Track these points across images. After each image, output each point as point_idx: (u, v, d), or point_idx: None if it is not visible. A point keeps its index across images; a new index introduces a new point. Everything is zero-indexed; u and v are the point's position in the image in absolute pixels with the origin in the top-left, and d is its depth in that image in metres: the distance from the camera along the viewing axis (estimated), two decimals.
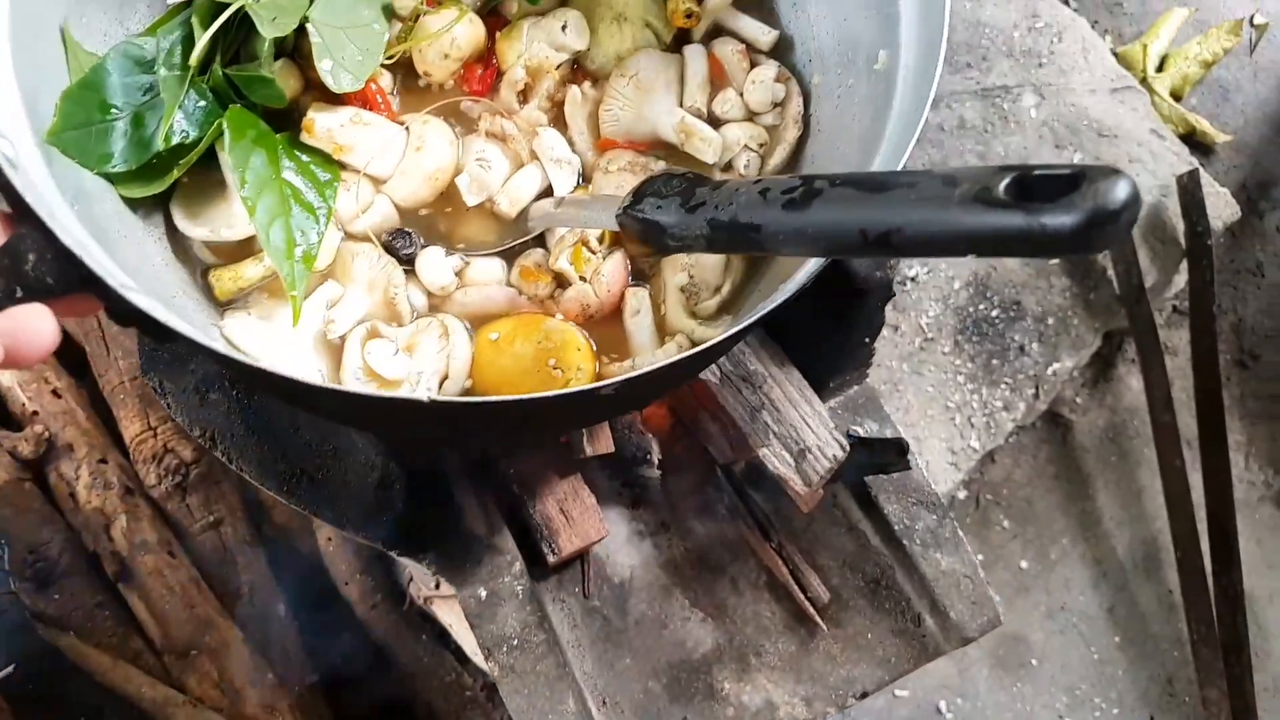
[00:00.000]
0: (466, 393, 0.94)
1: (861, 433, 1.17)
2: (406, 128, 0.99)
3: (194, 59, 0.91)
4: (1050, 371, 1.78)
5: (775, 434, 1.10)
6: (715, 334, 0.94)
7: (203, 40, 0.91)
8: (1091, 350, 1.83)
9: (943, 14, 0.81)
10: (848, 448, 1.08)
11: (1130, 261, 1.78)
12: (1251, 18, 2.19)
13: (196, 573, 1.40)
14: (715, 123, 1.03)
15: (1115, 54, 1.98)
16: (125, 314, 0.65)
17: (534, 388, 0.94)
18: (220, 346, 0.68)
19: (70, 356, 1.56)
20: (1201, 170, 1.85)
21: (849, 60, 0.94)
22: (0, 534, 1.34)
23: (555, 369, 0.94)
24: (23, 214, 0.63)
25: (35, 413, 1.49)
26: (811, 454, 1.08)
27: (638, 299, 0.98)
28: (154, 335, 0.66)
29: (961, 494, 1.87)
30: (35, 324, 0.61)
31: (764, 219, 0.70)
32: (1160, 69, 2.03)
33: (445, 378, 0.94)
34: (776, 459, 1.09)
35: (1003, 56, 1.90)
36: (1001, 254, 0.61)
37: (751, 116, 1.02)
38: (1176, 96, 2.03)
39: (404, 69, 1.03)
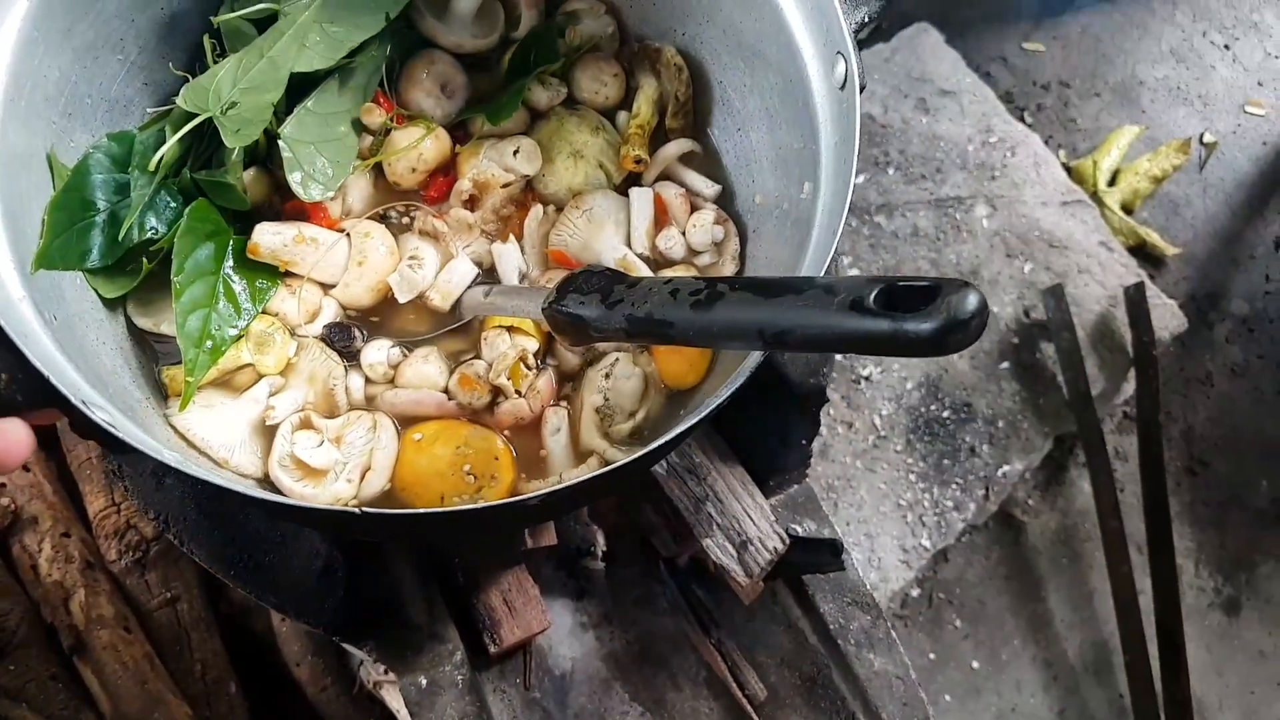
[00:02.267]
0: (387, 491, 0.99)
1: (800, 531, 1.21)
2: (349, 236, 1.05)
3: (155, 161, 0.97)
4: (1001, 473, 1.83)
5: (719, 525, 1.14)
6: (622, 456, 1.01)
7: (169, 144, 0.98)
8: (1042, 454, 1.89)
9: (853, 149, 0.88)
10: (788, 541, 1.12)
11: (1078, 369, 1.84)
12: (1201, 136, 2.30)
13: (151, 649, 1.41)
14: (660, 257, 1.10)
15: (1068, 168, 2.08)
16: (85, 427, 0.70)
17: (446, 490, 0.99)
18: (169, 457, 0.72)
19: (41, 431, 1.59)
20: (1149, 282, 1.94)
21: (783, 196, 1.02)
22: None
23: (469, 475, 0.99)
24: None
25: (2, 484, 1.53)
26: (753, 546, 1.12)
27: (558, 417, 1.04)
28: (110, 447, 0.70)
29: (914, 592, 1.90)
30: (15, 434, 0.67)
31: (675, 316, 0.77)
32: (1112, 183, 2.13)
33: (368, 469, 0.98)
34: (719, 549, 1.13)
35: (957, 169, 1.99)
36: (872, 353, 0.70)
37: (693, 253, 1.10)
38: (1128, 210, 2.13)
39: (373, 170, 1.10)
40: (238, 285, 0.98)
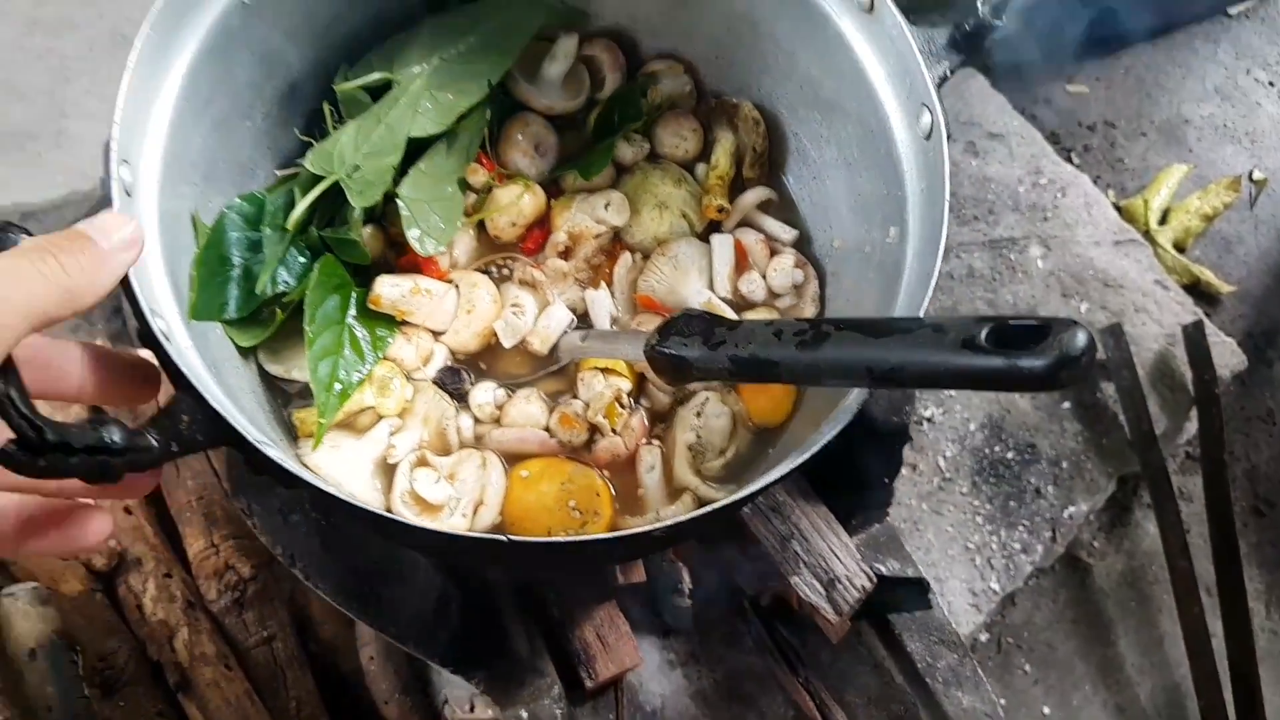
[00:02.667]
0: (497, 525, 1.05)
1: (884, 571, 1.25)
2: (457, 287, 1.12)
3: (291, 222, 1.06)
4: (1066, 515, 1.85)
5: (805, 563, 1.18)
6: (719, 495, 1.06)
7: (300, 206, 1.06)
8: (1106, 495, 1.90)
9: (944, 195, 0.94)
10: (875, 579, 1.16)
11: (1140, 409, 1.86)
12: (1250, 173, 2.33)
13: (250, 686, 1.47)
14: (742, 300, 1.16)
15: (1118, 208, 2.12)
16: (259, 465, 0.76)
17: (553, 525, 1.05)
18: (331, 489, 0.79)
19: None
20: (1207, 320, 1.96)
21: (865, 240, 1.08)
22: (74, 643, 1.42)
23: (574, 510, 1.05)
24: (176, 380, 0.76)
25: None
26: (841, 584, 1.16)
27: (653, 455, 1.10)
28: (283, 483, 0.77)
29: (983, 636, 1.91)
30: (96, 528, 0.75)
31: (780, 356, 0.82)
32: (1162, 222, 2.16)
33: (480, 504, 1.05)
34: (807, 587, 1.17)
35: (1009, 210, 2.04)
36: (983, 389, 0.74)
37: (773, 295, 1.15)
38: (1179, 248, 2.16)
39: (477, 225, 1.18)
40: (361, 334, 1.06)
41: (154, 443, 0.75)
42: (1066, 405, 1.91)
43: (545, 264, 1.16)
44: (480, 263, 1.16)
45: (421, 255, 1.09)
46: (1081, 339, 0.67)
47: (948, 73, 0.96)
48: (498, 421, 1.11)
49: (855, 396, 0.90)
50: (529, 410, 1.10)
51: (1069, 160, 2.22)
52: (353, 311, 1.07)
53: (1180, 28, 2.43)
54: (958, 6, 0.97)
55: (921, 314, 0.88)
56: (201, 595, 1.56)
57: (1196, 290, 2.11)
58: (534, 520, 1.06)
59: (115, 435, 0.72)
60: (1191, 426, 1.95)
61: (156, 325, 0.81)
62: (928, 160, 0.95)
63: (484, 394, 1.10)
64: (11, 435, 0.65)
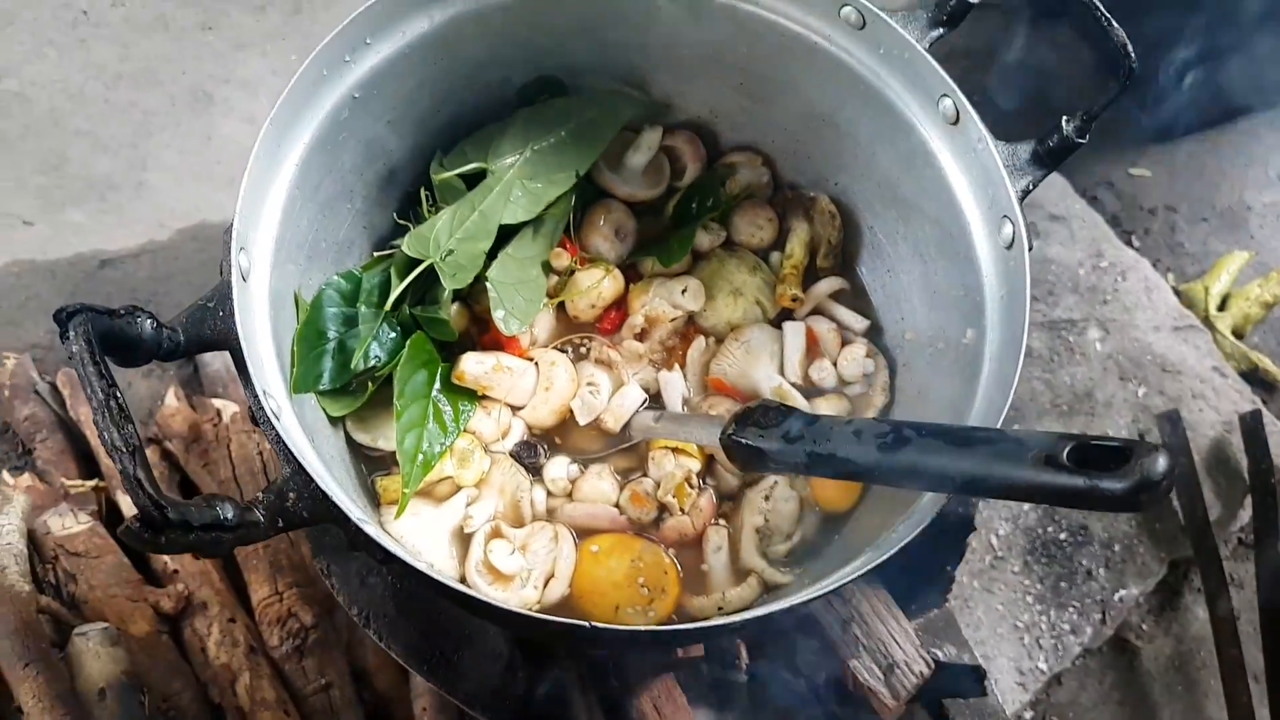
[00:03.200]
0: (566, 597, 1.09)
1: (940, 656, 1.26)
2: (537, 364, 1.17)
3: (390, 302, 1.11)
4: (1117, 597, 1.85)
5: (865, 647, 1.20)
6: (784, 578, 1.08)
7: (399, 287, 1.11)
8: (1157, 578, 1.89)
9: (1025, 303, 0.97)
10: (933, 665, 1.17)
11: (1195, 494, 1.86)
12: None
13: None
14: (811, 386, 1.19)
15: (1177, 292, 2.13)
16: (357, 540, 0.80)
17: (621, 601, 1.08)
18: (417, 564, 0.83)
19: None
20: (1264, 407, 1.96)
21: (938, 335, 1.10)
22: (142, 684, 1.46)
23: (643, 587, 1.08)
24: (285, 459, 0.80)
25: (175, 571, 1.65)
26: (899, 669, 1.17)
27: (720, 536, 1.13)
28: (378, 558, 0.81)
29: (1028, 715, 1.90)
30: None
31: (860, 457, 0.85)
32: (1222, 308, 2.17)
33: (551, 577, 1.08)
34: (866, 671, 1.19)
35: (1069, 292, 2.06)
36: (1061, 505, 0.78)
37: (843, 383, 1.19)
38: (1238, 335, 2.16)
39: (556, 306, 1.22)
40: (445, 407, 1.10)
41: (261, 519, 0.80)
42: None
43: (621, 345, 1.20)
44: (559, 342, 1.20)
45: (505, 335, 1.13)
46: (1163, 464, 0.70)
47: (1030, 186, 1.00)
48: (570, 496, 1.14)
49: (930, 500, 0.92)
50: (601, 486, 1.13)
51: (1129, 244, 2.24)
52: (438, 386, 1.12)
53: (1244, 116, 2.44)
54: (1042, 122, 1.00)
55: (1001, 419, 0.90)
56: (264, 641, 1.60)
57: (1254, 377, 2.11)
58: (602, 595, 1.09)
59: (229, 513, 0.77)
60: (1245, 514, 1.95)
61: (269, 405, 0.86)
62: (1008, 269, 0.98)
63: (558, 469, 1.14)
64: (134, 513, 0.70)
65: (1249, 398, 1.98)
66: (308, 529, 1.25)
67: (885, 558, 0.87)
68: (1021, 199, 0.98)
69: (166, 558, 1.65)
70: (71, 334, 0.75)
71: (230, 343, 0.86)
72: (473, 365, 1.12)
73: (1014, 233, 0.97)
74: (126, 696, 1.46)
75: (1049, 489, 0.73)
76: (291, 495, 0.80)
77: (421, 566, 0.81)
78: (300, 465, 0.80)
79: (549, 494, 1.14)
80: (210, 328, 0.86)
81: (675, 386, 1.19)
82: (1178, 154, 2.42)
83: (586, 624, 0.81)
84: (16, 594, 1.56)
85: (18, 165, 2.22)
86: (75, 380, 1.90)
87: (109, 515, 1.77)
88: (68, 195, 2.21)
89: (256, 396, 0.84)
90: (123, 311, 0.81)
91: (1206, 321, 2.10)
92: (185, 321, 0.86)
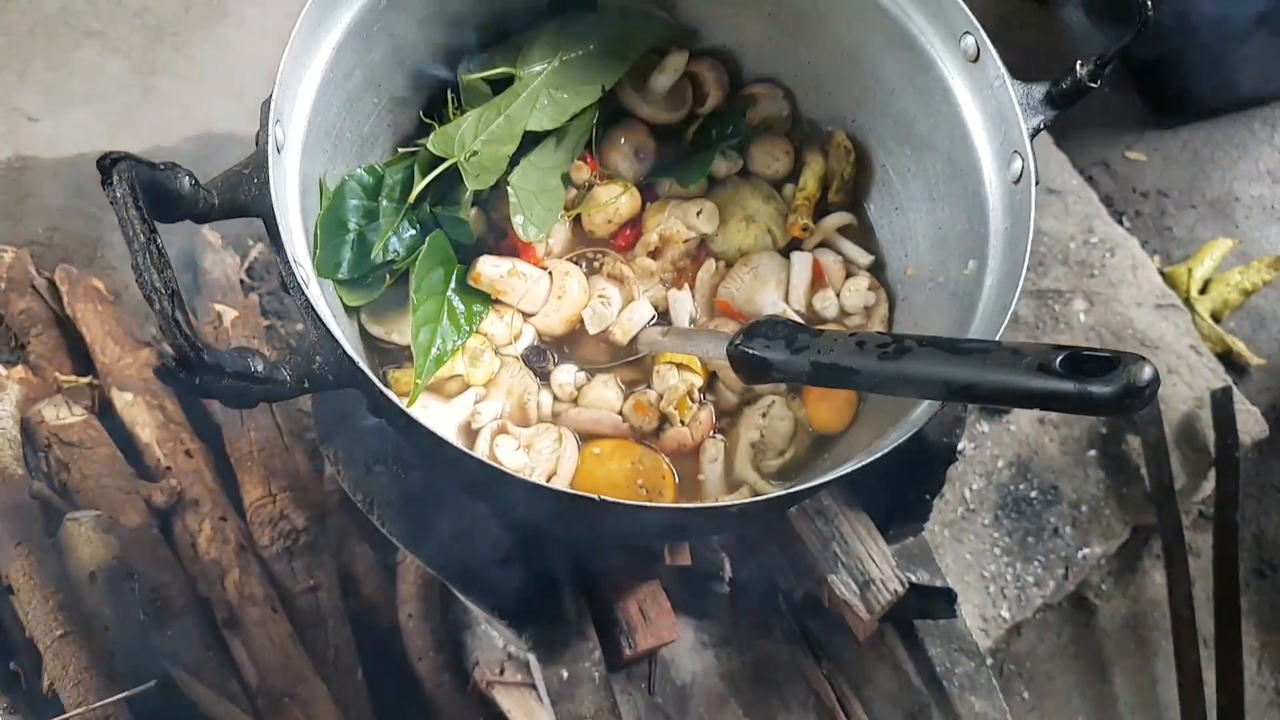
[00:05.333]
0: None
1: (915, 579, 1.32)
2: (550, 273, 1.20)
3: (412, 196, 1.13)
4: (1080, 555, 1.92)
5: (843, 564, 1.25)
6: (774, 490, 1.13)
7: (421, 183, 1.13)
8: (1120, 541, 1.97)
9: (1028, 235, 1.01)
10: (907, 585, 1.22)
11: (1162, 464, 1.93)
12: None
13: (293, 630, 1.54)
14: (814, 315, 1.23)
15: (1162, 273, 2.19)
16: (378, 405, 0.83)
17: (621, 499, 1.11)
18: (439, 431, 0.86)
19: (205, 423, 1.75)
20: (1235, 388, 2.03)
21: (939, 270, 1.15)
22: (132, 572, 1.49)
23: (642, 488, 1.13)
24: (314, 323, 0.83)
25: (169, 468, 1.68)
26: (875, 586, 1.23)
27: (716, 448, 1.17)
28: (394, 423, 0.84)
29: (988, 661, 1.98)
30: None
31: (862, 365, 0.89)
32: (1203, 291, 2.23)
33: (553, 475, 1.12)
34: (843, 586, 1.24)
35: (1058, 263, 2.11)
36: (1051, 409, 0.82)
37: (844, 314, 1.23)
38: (1216, 318, 2.23)
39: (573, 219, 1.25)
40: (459, 307, 1.13)
41: (288, 378, 0.83)
42: (1092, 453, 1.98)
43: (634, 261, 1.23)
44: (573, 254, 1.23)
45: (523, 241, 1.16)
46: (1148, 372, 0.74)
47: (1042, 125, 1.03)
48: (575, 402, 1.18)
49: (923, 410, 0.97)
50: (606, 394, 1.17)
51: (1120, 223, 2.30)
52: (454, 286, 1.15)
53: (1239, 110, 2.50)
54: (1057, 65, 1.04)
55: (1002, 329, 0.95)
56: (254, 540, 1.63)
57: (1228, 360, 2.18)
58: (603, 494, 1.13)
59: (259, 365, 0.80)
60: (1208, 486, 2.02)
61: (299, 272, 0.89)
62: (1014, 203, 1.02)
63: (565, 375, 1.17)
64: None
65: (1221, 377, 2.05)
66: (319, 423, 1.29)
67: (869, 461, 0.91)
68: (1032, 136, 1.02)
69: (160, 454, 1.68)
70: (115, 178, 0.77)
71: (264, 210, 0.88)
72: (489, 268, 1.15)
73: (1023, 167, 1.01)
74: (116, 581, 1.49)
75: (1041, 393, 0.78)
76: (318, 358, 0.83)
77: (440, 434, 0.84)
78: (328, 330, 0.83)
79: (555, 398, 1.18)
80: (245, 193, 0.89)
81: (684, 305, 1.23)
82: (1173, 142, 2.48)
83: (595, 496, 0.85)
84: (9, 476, 1.58)
85: (25, 61, 2.20)
86: (73, 277, 1.91)
87: (103, 412, 1.79)
88: (74, 94, 2.20)
89: (289, 263, 0.87)
90: (163, 166, 0.83)
91: (1187, 303, 2.16)
92: (220, 185, 0.88)
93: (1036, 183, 1.00)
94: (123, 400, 1.76)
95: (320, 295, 0.93)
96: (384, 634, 1.63)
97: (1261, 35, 2.24)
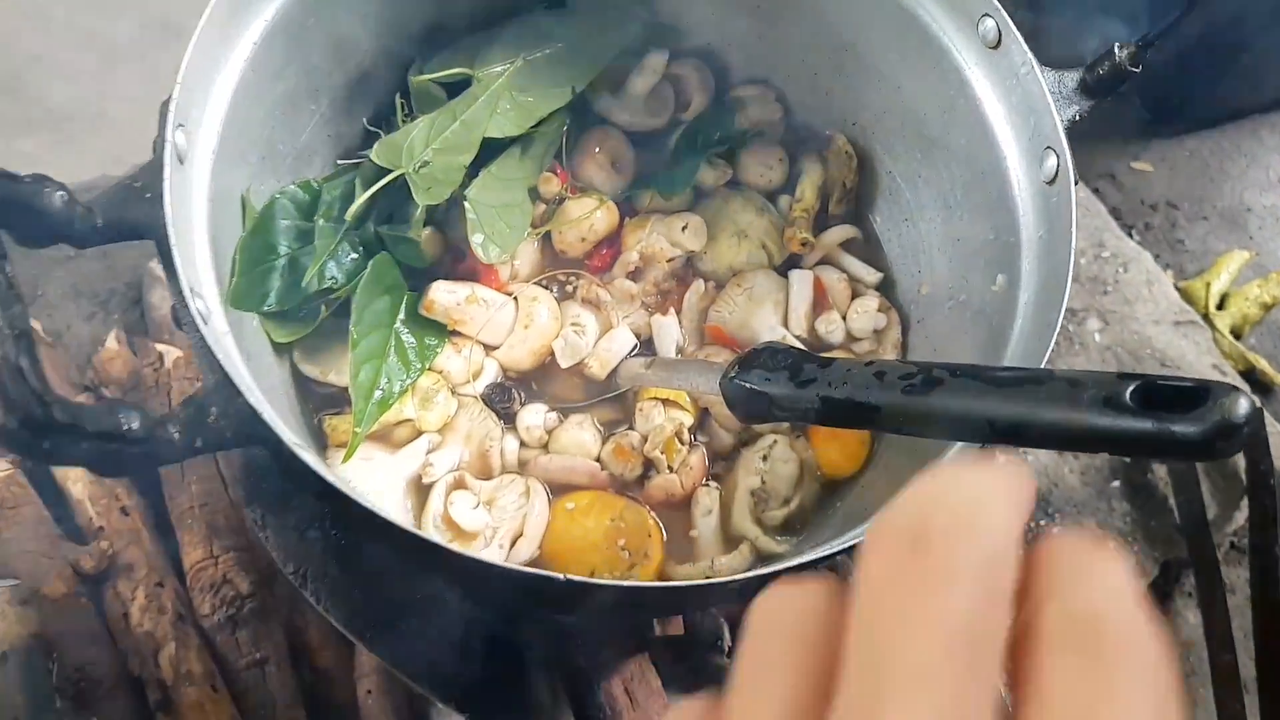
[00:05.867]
0: (535, 559, 0.97)
1: None
2: (516, 299, 1.05)
3: (350, 213, 0.98)
4: None
5: None
6: (778, 547, 0.98)
7: (362, 198, 0.98)
8: (1149, 579, 1.81)
9: (1070, 241, 0.86)
10: None
11: (1193, 494, 1.78)
12: None
13: (236, 711, 1.36)
14: (817, 340, 1.08)
15: (1178, 288, 2.06)
16: (290, 470, 0.68)
17: (598, 564, 0.96)
18: (371, 504, 0.70)
19: (147, 476, 1.58)
20: (1263, 409, 1.88)
21: (959, 287, 1.00)
22: (51, 650, 1.32)
23: (623, 549, 0.97)
24: (210, 368, 0.67)
25: (101, 528, 1.50)
26: None
27: (710, 498, 1.01)
28: (315, 492, 0.68)
29: None
30: None
31: (883, 400, 0.73)
32: (1220, 307, 2.10)
33: (519, 536, 0.96)
34: None
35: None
36: (1123, 454, 0.66)
37: (851, 338, 1.08)
38: (1236, 335, 2.09)
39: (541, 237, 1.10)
40: (409, 340, 0.98)
41: (175, 435, 0.67)
42: (1116, 484, 1.82)
43: (612, 284, 1.08)
44: (542, 277, 1.08)
45: (484, 262, 1.01)
46: (1244, 406, 0.59)
47: (1077, 117, 0.89)
48: (545, 448, 1.02)
49: (956, 454, 0.82)
50: (581, 438, 1.02)
51: (1130, 236, 2.17)
52: (402, 316, 1.00)
53: (1246, 116, 2.39)
54: (1092, 50, 0.90)
55: (1042, 364, 0.80)
56: (194, 609, 1.46)
57: (1251, 378, 2.04)
58: (577, 558, 0.97)
59: (134, 423, 0.64)
60: (1240, 516, 1.87)
61: (195, 305, 0.73)
62: (1049, 206, 0.88)
63: (534, 416, 1.02)
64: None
65: (1249, 397, 1.91)
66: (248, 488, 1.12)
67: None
68: (1067, 129, 0.88)
69: (92, 512, 1.51)
70: None
71: (155, 230, 0.73)
72: (443, 294, 1.00)
73: (1058, 165, 0.87)
74: (32, 662, 1.31)
75: (1111, 434, 0.62)
76: (214, 410, 0.67)
77: (366, 503, 0.68)
78: (225, 375, 0.67)
79: (522, 444, 1.02)
80: (136, 211, 0.73)
81: (670, 332, 1.08)
82: (1179, 151, 2.36)
83: (560, 576, 0.69)
84: None
85: None
86: None
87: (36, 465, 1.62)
88: (20, 123, 2.05)
89: (181, 294, 0.71)
90: (28, 179, 0.67)
91: (1206, 319, 2.03)
92: (105, 202, 0.73)
93: (1076, 181, 0.85)
94: None
95: (225, 331, 0.78)
96: (340, 712, 1.46)
97: (1270, 39, 2.14)
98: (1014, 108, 0.92)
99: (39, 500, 1.53)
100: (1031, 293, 0.88)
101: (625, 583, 0.78)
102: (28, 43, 2.12)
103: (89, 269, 1.92)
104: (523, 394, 1.03)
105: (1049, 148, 0.88)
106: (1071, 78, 0.92)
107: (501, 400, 1.02)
